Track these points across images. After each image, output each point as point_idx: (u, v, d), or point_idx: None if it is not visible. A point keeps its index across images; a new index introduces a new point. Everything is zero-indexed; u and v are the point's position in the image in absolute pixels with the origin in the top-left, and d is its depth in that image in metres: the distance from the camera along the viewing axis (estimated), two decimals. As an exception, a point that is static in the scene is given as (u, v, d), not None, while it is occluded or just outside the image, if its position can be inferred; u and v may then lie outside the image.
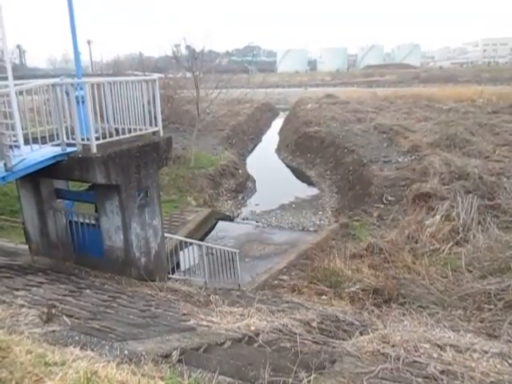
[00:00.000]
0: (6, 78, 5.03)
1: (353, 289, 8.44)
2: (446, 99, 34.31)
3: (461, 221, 11.32)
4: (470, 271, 8.77)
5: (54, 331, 3.08)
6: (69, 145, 5.93)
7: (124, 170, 6.08)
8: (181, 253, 8.36)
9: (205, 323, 4.18)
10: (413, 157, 17.94)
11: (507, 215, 11.65)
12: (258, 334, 3.99)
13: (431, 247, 10.52)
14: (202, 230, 13.95)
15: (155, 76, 7.51)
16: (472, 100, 33.40)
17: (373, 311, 7.06)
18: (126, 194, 6.18)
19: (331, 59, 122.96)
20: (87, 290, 4.97)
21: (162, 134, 6.99)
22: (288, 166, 24.84)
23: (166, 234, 7.72)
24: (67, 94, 5.87)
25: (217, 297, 5.80)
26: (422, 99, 35.62)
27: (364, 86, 66.24)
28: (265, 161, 26.37)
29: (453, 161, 15.61)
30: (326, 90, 53.02)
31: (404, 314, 6.65)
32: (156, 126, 6.89)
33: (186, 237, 10.66)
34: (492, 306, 7.17)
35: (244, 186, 20.11)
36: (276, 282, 9.82)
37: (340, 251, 10.61)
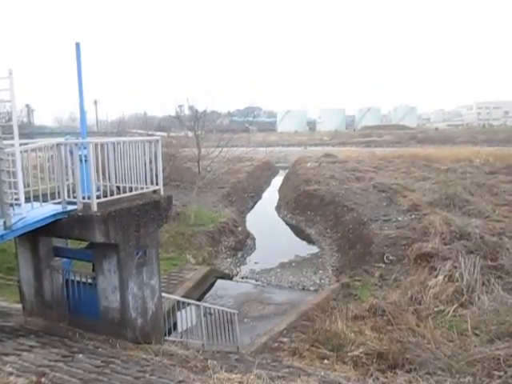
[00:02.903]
0: (13, 138, 5.12)
1: (356, 353, 8.15)
2: (444, 159, 34.91)
3: (464, 282, 11.13)
4: (477, 335, 8.48)
5: (41, 402, 2.91)
6: (70, 203, 5.94)
7: (123, 228, 6.05)
8: (178, 313, 8.12)
9: (201, 392, 3.97)
10: (413, 216, 17.92)
11: (511, 276, 11.45)
12: (257, 405, 3.77)
13: (435, 309, 10.27)
14: (201, 289, 13.70)
15: (158, 136, 7.68)
16: (469, 160, 33.91)
17: (378, 378, 6.74)
18: (124, 252, 6.10)
19: (330, 120, 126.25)
20: (80, 355, 4.77)
21: (162, 192, 7.03)
22: (288, 223, 24.80)
23: (163, 294, 7.54)
24: (71, 153, 5.98)
25: (214, 362, 5.56)
26: (419, 159, 36.21)
27: (362, 146, 67.54)
28: (264, 218, 26.38)
29: (453, 220, 15.58)
30: (325, 150, 54.20)
31: (410, 382, 6.35)
32: (157, 184, 6.95)
33: (184, 295, 10.45)
34: (502, 373, 6.85)
35: (243, 244, 19.96)
36: (276, 344, 9.51)
37: (341, 312, 10.33)
